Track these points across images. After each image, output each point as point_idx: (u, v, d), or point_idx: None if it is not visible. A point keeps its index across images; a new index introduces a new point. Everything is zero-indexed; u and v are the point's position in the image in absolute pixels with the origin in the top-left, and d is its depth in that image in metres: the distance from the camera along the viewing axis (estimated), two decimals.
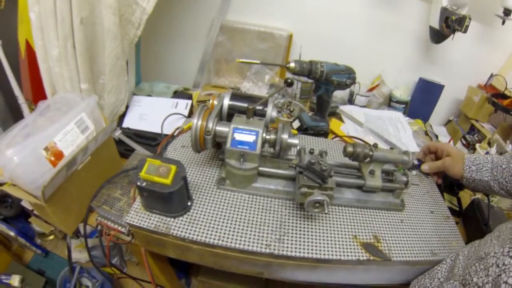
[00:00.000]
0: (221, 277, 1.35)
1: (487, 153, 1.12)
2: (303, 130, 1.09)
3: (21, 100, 1.14)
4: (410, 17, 1.32)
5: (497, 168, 0.75)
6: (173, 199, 0.65)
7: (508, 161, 0.74)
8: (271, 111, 0.76)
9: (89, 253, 0.88)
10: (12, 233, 1.36)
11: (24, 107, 1.16)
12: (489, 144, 1.18)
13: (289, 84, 0.71)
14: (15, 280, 1.20)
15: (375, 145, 0.76)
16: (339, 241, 0.69)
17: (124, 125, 1.12)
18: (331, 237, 0.70)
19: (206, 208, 0.72)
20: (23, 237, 1.39)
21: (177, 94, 1.27)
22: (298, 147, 0.73)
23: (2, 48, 1.06)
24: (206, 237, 0.66)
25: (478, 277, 0.48)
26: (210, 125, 0.69)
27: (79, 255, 1.43)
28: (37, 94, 1.08)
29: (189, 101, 1.16)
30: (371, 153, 0.74)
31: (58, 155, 0.71)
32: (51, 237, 1.51)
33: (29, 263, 1.42)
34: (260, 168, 0.72)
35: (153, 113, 1.14)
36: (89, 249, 0.88)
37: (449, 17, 1.13)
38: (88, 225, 0.83)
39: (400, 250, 0.70)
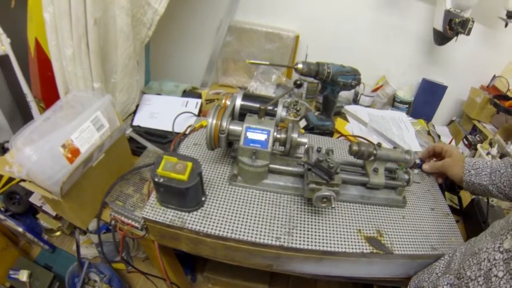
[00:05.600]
0: (226, 273, 1.36)
1: (488, 153, 1.13)
2: (310, 129, 1.11)
3: (29, 98, 1.13)
4: (414, 19, 1.33)
5: (496, 173, 0.77)
6: (189, 195, 0.67)
7: (506, 166, 0.76)
8: (281, 111, 0.79)
9: (101, 246, 0.90)
10: (20, 229, 1.34)
11: (33, 105, 1.15)
12: (491, 144, 1.19)
13: (298, 85, 0.72)
14: (23, 275, 1.20)
15: (379, 144, 0.79)
16: (344, 234, 0.72)
17: (135, 123, 1.13)
18: (336, 230, 0.73)
19: (219, 203, 0.75)
20: (31, 233, 1.37)
21: (186, 93, 1.28)
22: (306, 146, 0.75)
23: (11, 47, 1.05)
24: (219, 230, 0.69)
25: (471, 271, 0.51)
26: (224, 124, 0.72)
27: (86, 251, 1.44)
28: (47, 92, 1.08)
29: (199, 100, 1.18)
30: (375, 151, 0.77)
31: (75, 152, 0.72)
32: (58, 233, 1.50)
33: (36, 258, 1.41)
34: (271, 165, 0.75)
35: (164, 112, 1.15)
36: (101, 243, 0.90)
37: (453, 20, 1.15)
38: (101, 220, 0.83)
39: (402, 244, 0.73)
